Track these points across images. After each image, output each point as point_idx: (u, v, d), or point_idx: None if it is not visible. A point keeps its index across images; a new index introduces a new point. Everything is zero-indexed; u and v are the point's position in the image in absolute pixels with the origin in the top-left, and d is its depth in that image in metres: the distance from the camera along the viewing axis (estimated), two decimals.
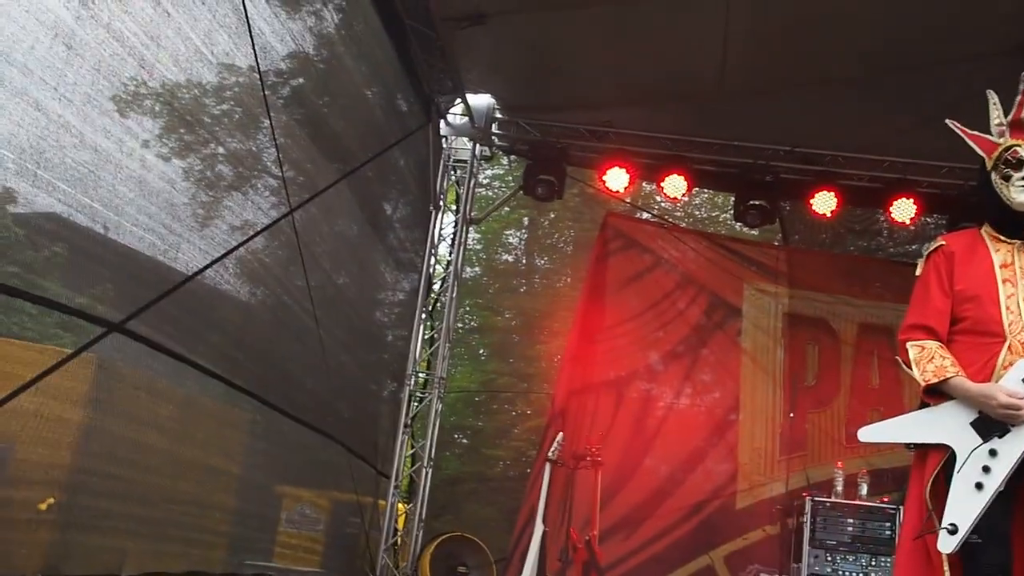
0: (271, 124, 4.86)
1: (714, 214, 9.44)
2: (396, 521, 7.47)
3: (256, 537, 5.96)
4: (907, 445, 3.21)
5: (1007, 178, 3.17)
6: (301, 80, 5.57)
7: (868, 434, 3.26)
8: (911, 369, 3.12)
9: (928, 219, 7.96)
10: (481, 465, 11.20)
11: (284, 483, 6.40)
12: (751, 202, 7.57)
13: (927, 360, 3.07)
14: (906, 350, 3.15)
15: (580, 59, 6.88)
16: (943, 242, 3.25)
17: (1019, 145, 3.19)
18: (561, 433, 6.75)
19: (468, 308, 11.75)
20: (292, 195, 5.17)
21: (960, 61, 6.15)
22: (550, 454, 6.53)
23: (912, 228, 7.94)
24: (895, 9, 5.91)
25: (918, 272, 3.28)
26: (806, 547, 6.32)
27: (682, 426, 8.01)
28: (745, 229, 8.12)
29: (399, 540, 7.48)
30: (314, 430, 6.00)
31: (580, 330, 8.24)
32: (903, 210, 7.36)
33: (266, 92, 4.73)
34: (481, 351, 12.24)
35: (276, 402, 5.40)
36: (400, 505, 7.56)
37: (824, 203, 7.47)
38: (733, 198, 7.85)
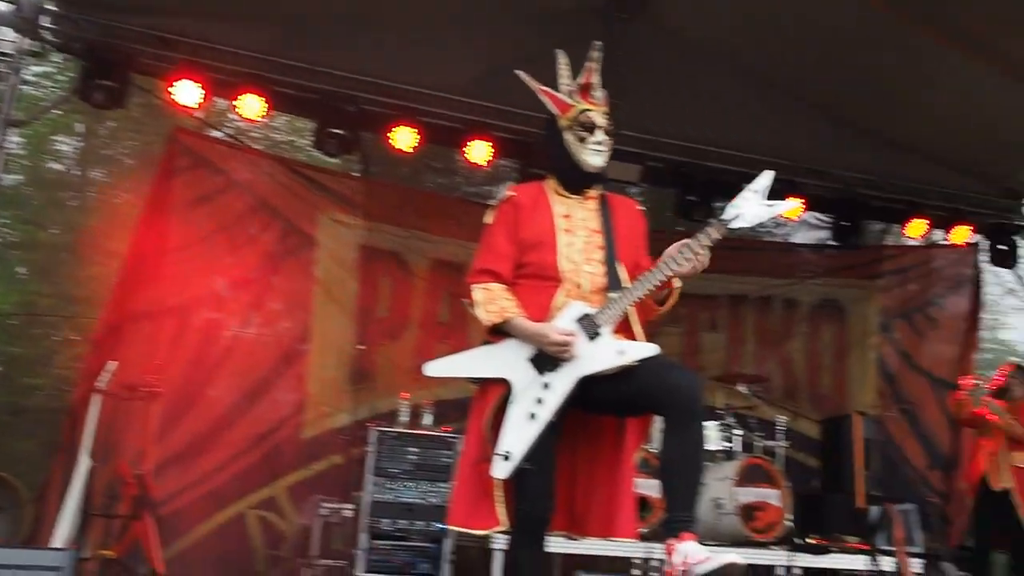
0: None
1: (292, 139, 9.20)
2: None
3: None
4: (470, 379, 3.39)
5: (582, 140, 3.38)
6: None
7: (433, 369, 3.39)
8: (476, 310, 3.29)
9: (503, 162, 8.33)
10: (17, 395, 10.19)
11: None
12: (332, 130, 7.41)
13: (490, 301, 3.27)
14: (472, 292, 3.34)
15: None
16: (512, 193, 3.45)
17: (592, 110, 3.41)
18: (114, 362, 6.28)
19: (7, 220, 10.56)
20: None
21: (540, 15, 6.49)
22: (98, 383, 6.10)
23: (488, 170, 8.26)
24: None
25: (488, 220, 3.44)
26: (369, 475, 6.44)
27: (249, 355, 7.75)
28: (325, 157, 7.93)
29: None
30: None
31: (139, 251, 7.58)
32: (479, 152, 7.62)
33: None
34: (20, 269, 11.01)
35: None
36: None
37: (405, 138, 7.52)
38: (314, 125, 7.63)
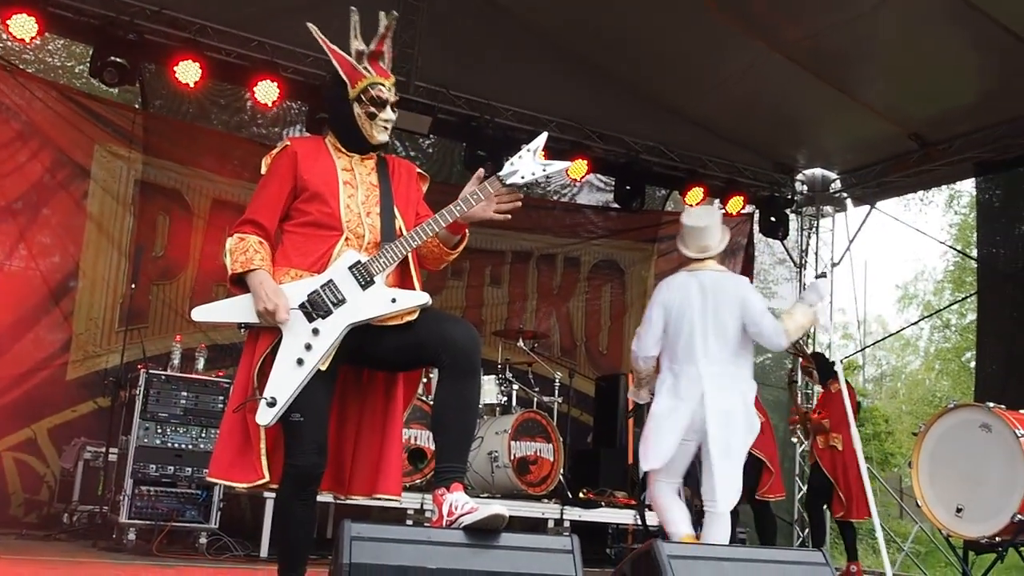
0: None
1: (70, 64, 8.63)
2: None
3: None
4: (239, 325, 3.29)
5: (371, 116, 3.36)
6: None
7: (201, 314, 3.29)
8: (225, 258, 3.25)
9: (292, 104, 8.15)
10: None
11: None
12: (110, 59, 7.02)
13: (241, 252, 3.21)
14: (228, 240, 3.29)
15: None
16: (288, 143, 3.39)
17: (383, 84, 3.37)
18: None
19: None
20: None
21: None
22: None
23: (275, 111, 8.05)
24: None
25: (263, 170, 3.38)
26: (136, 419, 6.23)
27: (13, 290, 7.32)
28: (103, 86, 7.51)
29: None
30: None
31: None
32: (266, 92, 7.42)
33: None
34: None
35: None
36: None
37: (188, 72, 7.22)
38: (91, 51, 7.22)
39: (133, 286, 7.22)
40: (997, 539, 4.50)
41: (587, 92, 8.37)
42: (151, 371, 6.38)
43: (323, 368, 3.12)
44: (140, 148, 7.84)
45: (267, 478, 3.16)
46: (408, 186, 3.51)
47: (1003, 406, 4.80)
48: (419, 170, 3.62)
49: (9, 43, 7.47)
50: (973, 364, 7.08)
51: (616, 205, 9.25)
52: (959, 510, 4.55)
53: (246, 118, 8.47)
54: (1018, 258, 8.47)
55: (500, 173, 3.28)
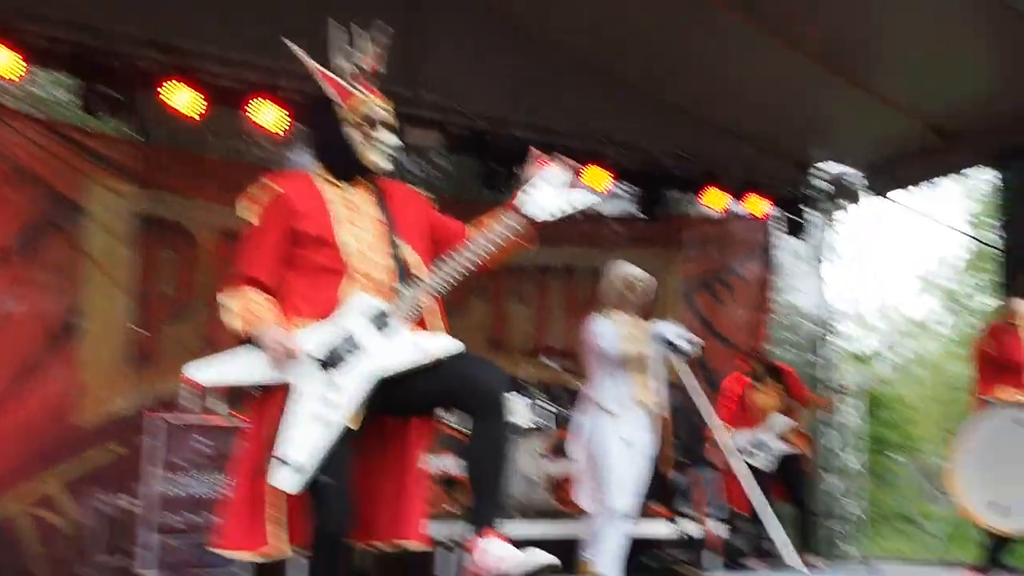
0: None
1: (59, 95, 8.32)
2: None
3: None
4: (252, 388, 3.10)
5: (367, 137, 3.16)
6: None
7: (198, 374, 3.10)
8: (228, 317, 3.10)
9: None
10: None
11: None
12: (99, 89, 6.73)
13: (245, 308, 3.06)
14: (226, 298, 3.12)
15: None
16: (273, 185, 3.16)
17: (378, 104, 3.19)
18: None
19: None
20: None
21: None
22: None
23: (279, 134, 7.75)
24: None
25: (249, 217, 3.17)
26: (154, 468, 5.93)
27: (11, 336, 6.96)
28: (94, 119, 7.18)
29: None
30: None
31: None
32: (267, 116, 7.18)
33: None
34: None
35: None
36: None
37: (183, 100, 6.92)
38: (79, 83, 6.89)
39: (139, 330, 6.87)
40: None
41: (600, 99, 8.23)
42: (166, 417, 6.09)
43: (353, 427, 2.91)
44: (139, 182, 7.49)
45: (286, 549, 2.99)
46: (415, 212, 3.29)
47: None
48: (417, 190, 3.41)
49: None
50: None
51: (637, 213, 9.03)
52: (995, 504, 4.44)
53: (246, 143, 8.15)
54: None
55: (525, 212, 3.12)
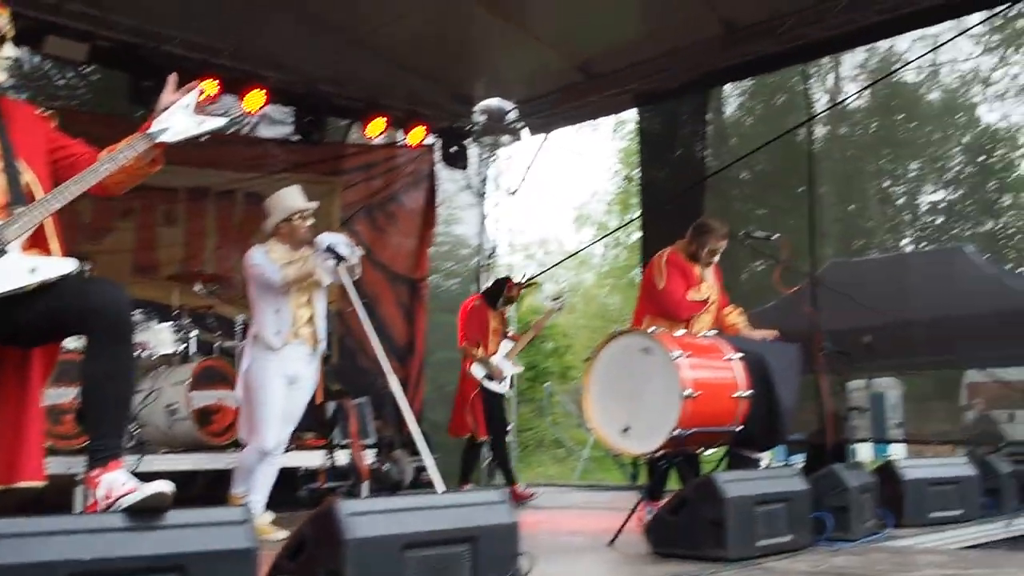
0: None
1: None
2: None
3: None
4: None
5: None
6: None
7: None
8: None
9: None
10: None
11: None
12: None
13: None
14: None
15: None
16: None
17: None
18: None
19: None
20: None
21: None
22: None
23: None
24: None
25: None
26: None
27: None
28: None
29: None
30: None
31: None
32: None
33: None
34: None
35: None
36: None
37: None
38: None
39: None
40: (660, 454, 4.83)
41: (261, 20, 7.91)
42: None
43: None
44: None
45: None
46: (32, 133, 3.10)
47: (663, 329, 5.10)
48: (40, 111, 3.22)
49: None
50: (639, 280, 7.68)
51: (297, 137, 8.95)
52: (625, 430, 4.82)
53: None
54: (676, 181, 9.12)
55: (150, 131, 3.05)
